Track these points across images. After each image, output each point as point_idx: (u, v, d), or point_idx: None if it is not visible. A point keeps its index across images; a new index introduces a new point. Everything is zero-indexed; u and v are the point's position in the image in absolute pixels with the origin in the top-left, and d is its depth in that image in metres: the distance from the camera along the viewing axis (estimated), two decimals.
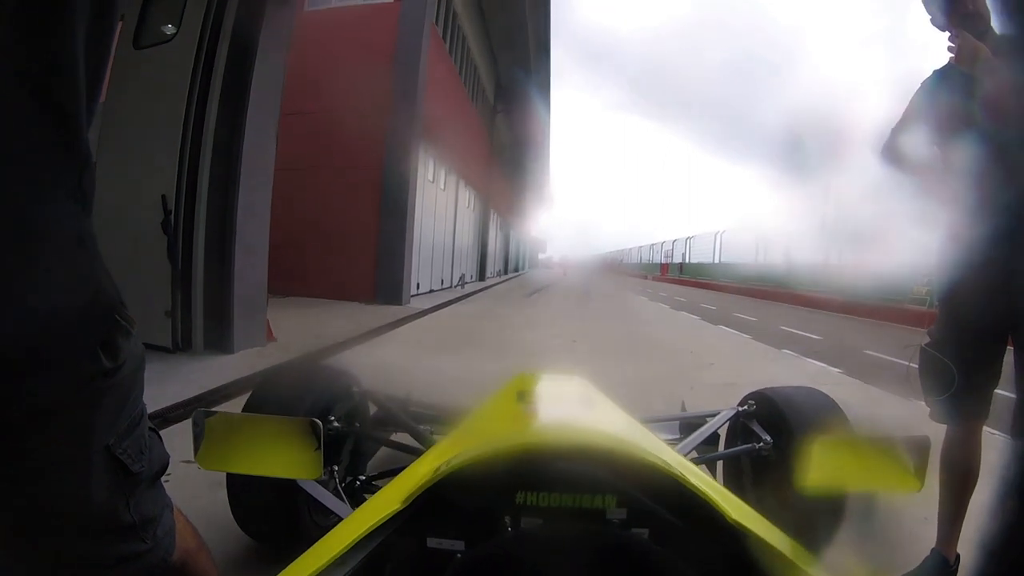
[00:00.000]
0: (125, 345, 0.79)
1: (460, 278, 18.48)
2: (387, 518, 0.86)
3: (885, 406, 4.31)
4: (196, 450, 1.27)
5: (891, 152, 2.04)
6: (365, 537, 0.84)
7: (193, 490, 2.14)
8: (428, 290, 14.60)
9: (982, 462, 1.85)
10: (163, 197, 4.62)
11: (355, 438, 1.93)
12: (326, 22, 10.83)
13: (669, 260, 39.66)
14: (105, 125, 4.77)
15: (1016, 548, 1.20)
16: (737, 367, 6.09)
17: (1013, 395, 1.68)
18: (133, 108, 4.90)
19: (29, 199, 0.67)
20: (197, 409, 1.29)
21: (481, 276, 23.97)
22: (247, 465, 1.33)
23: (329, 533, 0.88)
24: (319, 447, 1.27)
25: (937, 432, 1.84)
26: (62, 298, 0.70)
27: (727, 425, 2.15)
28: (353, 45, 11.07)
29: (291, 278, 9.81)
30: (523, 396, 1.35)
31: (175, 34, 4.87)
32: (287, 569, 0.78)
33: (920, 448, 1.26)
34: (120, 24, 4.73)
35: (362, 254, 11.13)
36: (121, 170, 4.71)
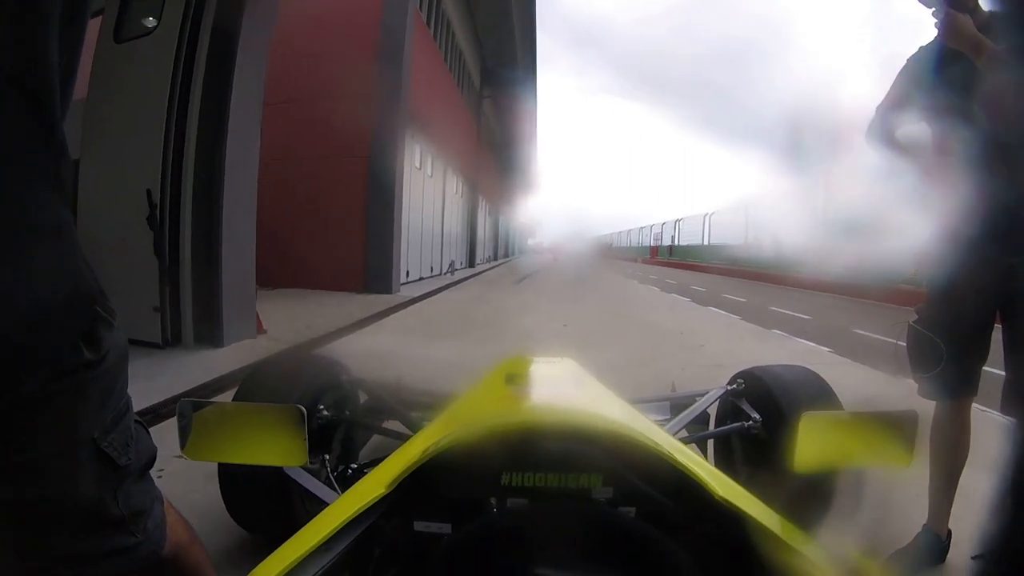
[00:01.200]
0: (107, 336, 0.78)
1: (450, 265, 18.44)
2: (373, 502, 0.86)
3: (875, 384, 4.35)
4: (183, 441, 1.26)
5: (876, 132, 2.03)
6: (352, 521, 0.84)
7: (186, 485, 2.14)
8: (418, 278, 14.57)
9: (972, 439, 1.86)
10: (148, 191, 4.58)
11: (346, 426, 1.93)
12: (308, 9, 10.69)
13: (659, 243, 39.62)
14: (88, 120, 4.72)
15: (1008, 523, 1.21)
16: (727, 347, 6.11)
17: (1003, 373, 1.69)
18: (116, 102, 4.84)
19: (6, 188, 0.66)
20: (182, 400, 1.29)
21: (471, 263, 23.93)
22: (234, 454, 1.32)
23: (315, 519, 0.88)
24: (305, 434, 1.26)
25: (927, 411, 1.85)
26: (41, 288, 0.69)
27: (717, 405, 2.16)
28: (336, 32, 10.96)
29: (280, 269, 9.76)
30: (512, 379, 1.35)
31: (156, 27, 4.80)
32: (272, 555, 0.78)
33: (908, 423, 1.26)
34: (100, 18, 4.67)
35: (350, 244, 11.08)
36: (105, 165, 4.67)
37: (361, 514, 0.85)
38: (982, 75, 1.64)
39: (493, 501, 0.91)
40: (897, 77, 1.97)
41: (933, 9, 1.78)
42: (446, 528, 0.88)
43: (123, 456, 0.83)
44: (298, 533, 0.84)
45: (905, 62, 1.96)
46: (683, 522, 0.86)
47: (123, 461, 0.83)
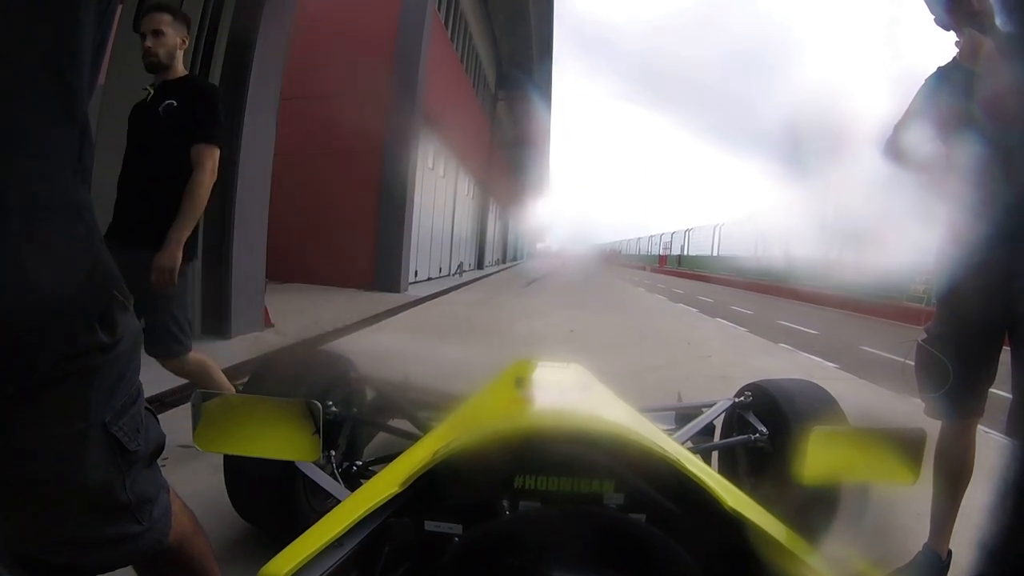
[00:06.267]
0: (123, 320, 0.79)
1: (459, 266, 18.45)
2: (385, 501, 0.86)
3: (880, 401, 4.33)
4: (194, 431, 1.27)
5: (894, 149, 2.03)
6: (363, 520, 0.84)
7: (190, 474, 2.14)
8: (426, 278, 14.59)
9: (976, 460, 1.85)
10: None
11: (352, 423, 1.92)
12: (327, 5, 10.73)
13: (668, 252, 39.57)
14: (105, 109, 4.73)
15: (1009, 546, 1.20)
16: (734, 359, 6.08)
17: (1009, 395, 1.68)
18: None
19: (32, 170, 0.67)
20: (195, 390, 1.29)
21: (479, 264, 23.96)
22: (245, 447, 1.32)
23: (327, 515, 0.88)
24: (317, 429, 1.26)
25: (933, 429, 1.84)
26: (61, 270, 0.70)
27: (723, 416, 2.16)
28: (354, 30, 10.98)
29: (289, 264, 9.79)
30: (521, 382, 1.35)
31: None
32: (285, 550, 0.78)
33: (915, 441, 1.26)
34: (120, 6, 4.69)
35: (361, 241, 11.11)
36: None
37: (372, 512, 0.86)
38: (998, 95, 1.64)
39: (504, 504, 0.91)
40: (916, 96, 1.97)
41: (952, 31, 1.78)
42: (457, 528, 0.88)
43: (133, 442, 0.83)
44: (311, 528, 0.84)
45: (924, 81, 1.96)
46: (691, 530, 0.86)
47: (133, 447, 0.83)
